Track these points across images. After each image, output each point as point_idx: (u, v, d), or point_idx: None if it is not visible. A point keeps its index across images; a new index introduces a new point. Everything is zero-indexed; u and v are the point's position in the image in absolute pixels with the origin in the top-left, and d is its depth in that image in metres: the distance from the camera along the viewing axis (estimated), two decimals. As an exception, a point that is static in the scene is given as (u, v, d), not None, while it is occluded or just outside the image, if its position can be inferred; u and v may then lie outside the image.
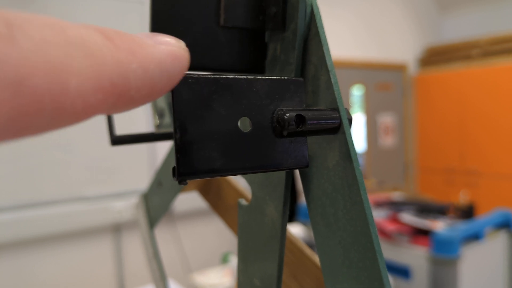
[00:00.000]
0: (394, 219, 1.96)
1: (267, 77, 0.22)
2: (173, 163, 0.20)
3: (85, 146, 2.11)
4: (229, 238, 2.59)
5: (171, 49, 0.17)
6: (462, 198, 2.91)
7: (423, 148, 3.89)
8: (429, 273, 1.71)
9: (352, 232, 0.23)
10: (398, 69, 3.84)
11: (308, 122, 0.22)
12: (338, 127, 0.24)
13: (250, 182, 0.33)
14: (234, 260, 1.88)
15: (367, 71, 3.59)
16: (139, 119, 2.26)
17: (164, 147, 2.27)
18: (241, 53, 0.27)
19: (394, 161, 3.85)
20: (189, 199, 1.91)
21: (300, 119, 0.22)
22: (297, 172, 0.29)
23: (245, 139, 0.21)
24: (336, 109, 0.24)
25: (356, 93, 3.64)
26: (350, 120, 0.24)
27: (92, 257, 2.20)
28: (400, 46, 3.85)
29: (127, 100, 0.15)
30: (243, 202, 0.35)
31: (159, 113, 0.50)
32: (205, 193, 0.52)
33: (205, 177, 0.20)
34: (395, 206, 2.16)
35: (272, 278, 0.32)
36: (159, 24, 0.24)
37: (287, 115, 0.22)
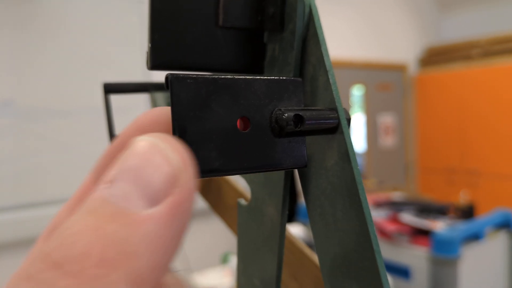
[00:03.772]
0: (394, 219, 1.96)
1: (265, 77, 0.22)
2: (172, 163, 0.20)
3: (85, 147, 2.11)
4: (229, 238, 2.59)
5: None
6: (462, 198, 2.91)
7: (423, 148, 3.89)
8: (429, 273, 1.71)
9: (351, 232, 0.23)
10: (398, 69, 3.84)
11: (307, 122, 0.22)
12: (337, 127, 0.24)
13: (249, 182, 0.33)
14: (234, 260, 1.88)
15: (368, 71, 3.59)
16: (139, 119, 2.26)
17: (164, 147, 2.26)
18: (240, 53, 0.27)
19: (394, 161, 3.85)
20: (189, 199, 1.90)
21: (298, 119, 0.22)
22: (296, 172, 0.30)
23: (243, 139, 0.22)
24: (334, 109, 0.24)
25: (356, 93, 3.63)
26: (348, 120, 0.24)
27: (92, 257, 2.20)
28: (401, 46, 3.85)
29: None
30: (243, 202, 0.35)
31: (159, 113, 0.50)
32: (204, 193, 0.52)
33: (204, 177, 0.20)
34: (395, 206, 2.16)
35: (272, 278, 0.32)
36: (158, 24, 0.24)
37: (286, 115, 0.22)
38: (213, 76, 0.21)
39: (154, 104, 0.51)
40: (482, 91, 3.40)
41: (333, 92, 0.24)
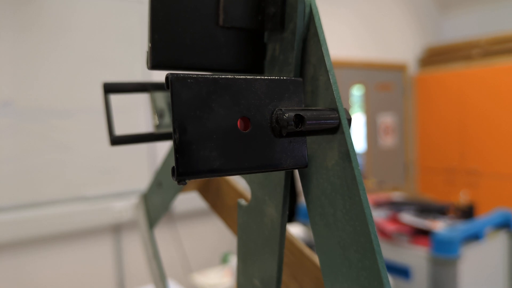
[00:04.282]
0: (394, 219, 1.96)
1: (266, 77, 0.22)
2: (172, 163, 0.20)
3: (85, 147, 2.11)
4: (229, 238, 2.59)
5: None
6: (462, 198, 2.91)
7: (423, 148, 3.89)
8: (429, 273, 1.71)
9: (351, 232, 0.23)
10: (398, 69, 3.84)
11: (307, 122, 0.22)
12: (337, 127, 0.24)
13: (249, 182, 0.33)
14: (234, 260, 1.88)
15: (367, 71, 3.59)
16: (139, 119, 2.26)
17: (164, 147, 2.27)
18: (240, 53, 0.27)
19: (394, 161, 3.85)
20: (189, 199, 1.90)
21: (299, 119, 0.22)
22: (296, 171, 0.29)
23: (244, 139, 0.21)
24: (335, 109, 0.24)
25: (356, 93, 3.64)
26: (349, 120, 0.24)
27: (92, 257, 2.20)
28: (400, 46, 3.85)
29: None
30: (243, 202, 0.35)
31: (159, 113, 0.50)
32: (204, 193, 0.52)
33: (204, 177, 0.20)
34: (395, 206, 2.16)
35: (272, 278, 0.32)
36: (158, 25, 0.24)
37: (286, 115, 0.22)
38: (214, 76, 0.21)
39: (154, 104, 0.51)
40: (482, 91, 3.40)
41: (334, 92, 0.24)
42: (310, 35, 0.25)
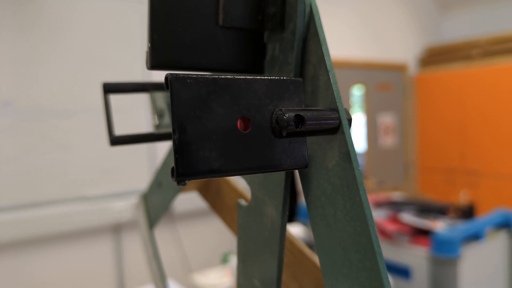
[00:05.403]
0: (394, 219, 1.96)
1: (265, 77, 0.22)
2: (172, 163, 0.20)
3: (85, 147, 2.11)
4: (229, 238, 2.59)
5: None
6: (462, 198, 2.91)
7: (423, 148, 3.89)
8: (429, 273, 1.71)
9: (352, 233, 0.23)
10: (398, 69, 3.83)
11: (308, 122, 0.22)
12: (338, 128, 0.24)
13: (249, 183, 0.33)
14: (234, 260, 1.88)
15: (367, 71, 3.59)
16: (139, 119, 2.26)
17: (164, 147, 2.27)
18: (240, 53, 0.27)
19: (394, 161, 3.85)
20: (189, 199, 1.90)
21: (299, 120, 0.22)
22: (297, 172, 0.29)
23: (244, 140, 0.21)
24: (335, 110, 0.24)
25: (356, 93, 3.63)
26: (349, 121, 0.24)
27: (92, 257, 2.20)
28: (400, 46, 3.85)
29: None
30: (243, 202, 0.35)
31: (159, 113, 0.50)
32: (204, 193, 0.52)
33: (204, 177, 0.20)
34: (395, 206, 2.16)
35: (272, 278, 0.32)
36: (157, 25, 0.24)
37: (286, 115, 0.22)
38: (213, 76, 0.21)
39: (154, 104, 0.51)
40: (482, 91, 3.40)
41: (334, 92, 0.24)
42: (310, 35, 0.25)
